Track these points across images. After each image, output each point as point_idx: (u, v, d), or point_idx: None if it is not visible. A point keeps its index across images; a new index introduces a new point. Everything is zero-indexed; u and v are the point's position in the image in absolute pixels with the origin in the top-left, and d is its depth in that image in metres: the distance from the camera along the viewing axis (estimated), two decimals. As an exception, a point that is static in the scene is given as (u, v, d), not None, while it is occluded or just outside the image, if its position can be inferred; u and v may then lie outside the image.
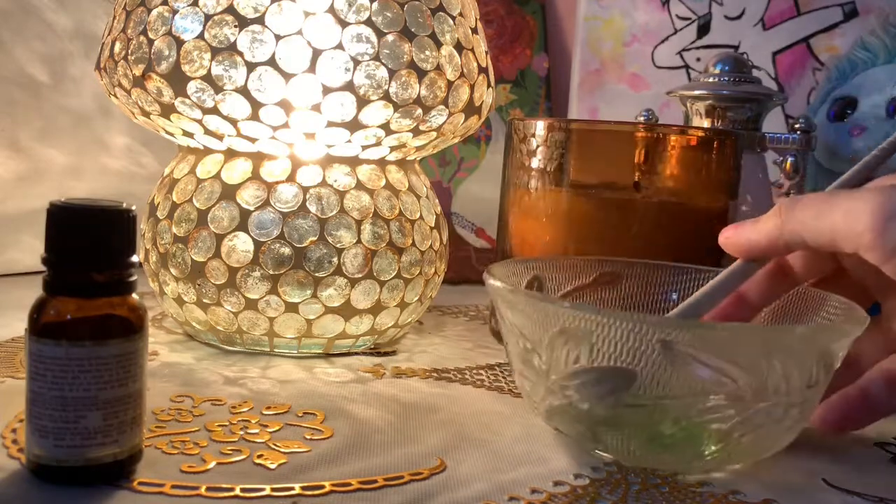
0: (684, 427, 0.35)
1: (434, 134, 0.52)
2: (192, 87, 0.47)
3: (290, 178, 0.50)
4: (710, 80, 0.70)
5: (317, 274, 0.50)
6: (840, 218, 0.37)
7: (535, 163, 0.54)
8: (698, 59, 0.88)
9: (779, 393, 0.35)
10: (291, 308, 0.50)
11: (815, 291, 0.44)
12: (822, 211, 0.37)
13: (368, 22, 0.48)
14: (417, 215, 0.54)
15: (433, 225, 0.56)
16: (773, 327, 0.44)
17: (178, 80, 0.47)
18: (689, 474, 0.38)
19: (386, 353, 0.55)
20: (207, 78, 0.47)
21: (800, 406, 0.36)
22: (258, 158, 0.51)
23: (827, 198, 0.38)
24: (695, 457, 0.37)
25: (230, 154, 0.51)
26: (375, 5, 0.48)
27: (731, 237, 0.41)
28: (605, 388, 0.35)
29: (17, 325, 0.55)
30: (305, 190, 0.50)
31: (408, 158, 0.55)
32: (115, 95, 0.52)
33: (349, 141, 0.50)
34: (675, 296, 0.48)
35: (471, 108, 0.53)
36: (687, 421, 0.35)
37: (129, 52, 0.49)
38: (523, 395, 0.41)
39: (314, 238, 0.50)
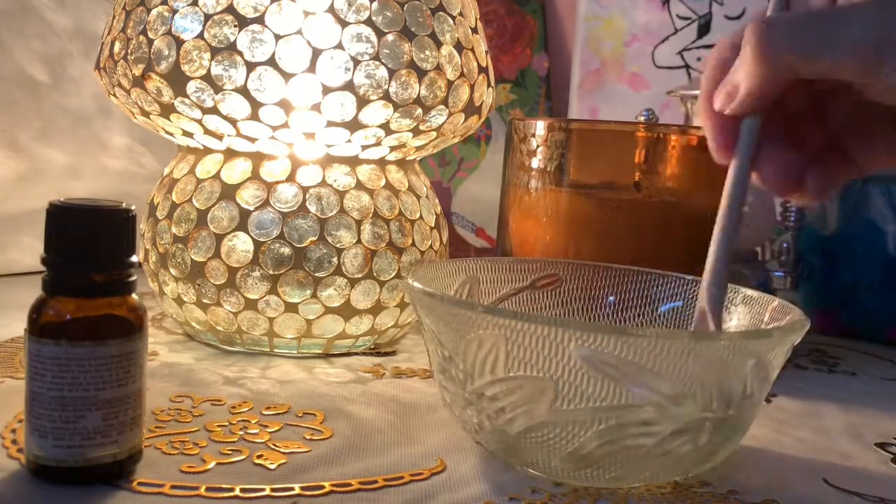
0: (608, 442, 0.32)
1: (434, 134, 0.52)
2: (191, 86, 0.47)
3: (290, 178, 0.50)
4: (711, 79, 0.70)
5: (317, 274, 0.50)
6: (853, 37, 0.30)
7: (535, 163, 0.54)
8: (699, 59, 0.88)
9: (708, 406, 0.32)
10: (291, 308, 0.50)
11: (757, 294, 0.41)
12: (819, 27, 0.31)
13: (368, 21, 0.48)
14: (417, 215, 0.54)
15: (433, 225, 0.56)
16: (698, 333, 0.40)
17: (177, 79, 0.47)
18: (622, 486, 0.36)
19: (386, 353, 0.55)
20: (207, 78, 0.47)
21: (734, 419, 0.33)
22: (258, 158, 0.51)
23: (817, 13, 0.32)
24: (623, 474, 0.34)
25: (230, 154, 0.51)
26: (375, 5, 0.48)
27: (724, 97, 0.34)
28: (520, 400, 0.32)
29: (16, 326, 0.55)
30: (305, 190, 0.50)
31: (408, 158, 0.55)
32: (114, 95, 0.52)
33: (349, 141, 0.50)
34: (612, 298, 0.45)
35: (471, 108, 0.53)
36: (610, 436, 0.32)
37: (129, 51, 0.49)
38: (446, 408, 0.38)
39: (314, 238, 0.50)
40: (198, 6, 0.47)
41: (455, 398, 0.36)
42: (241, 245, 0.49)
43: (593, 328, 0.33)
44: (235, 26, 0.46)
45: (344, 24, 0.47)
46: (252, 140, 0.50)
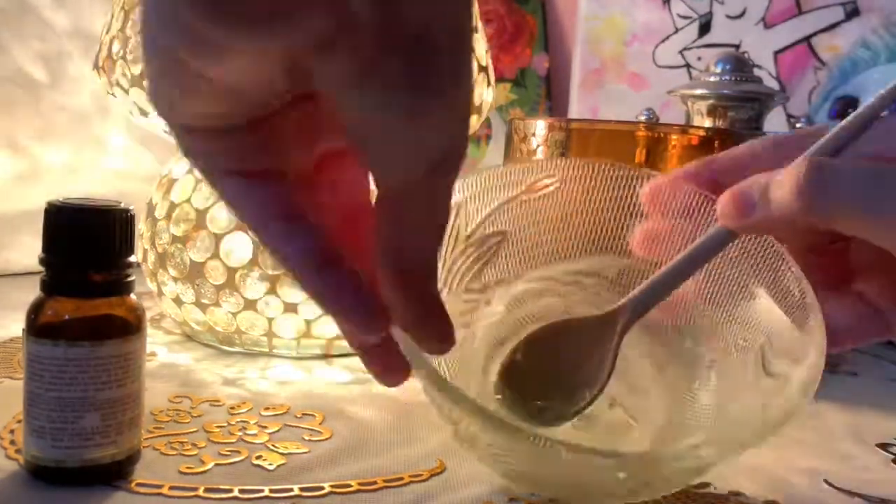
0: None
1: (434, 133, 0.52)
2: (190, 86, 0.47)
3: (290, 178, 0.50)
4: (712, 79, 0.69)
5: (316, 274, 0.50)
6: None
7: (536, 162, 0.54)
8: (699, 59, 0.88)
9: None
10: (290, 308, 0.50)
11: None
12: (873, 189, 0.29)
13: (368, 21, 0.48)
14: (417, 215, 0.54)
15: (433, 225, 0.55)
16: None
17: (176, 79, 0.47)
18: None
19: (385, 354, 0.55)
20: (206, 77, 0.46)
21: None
22: (257, 158, 0.51)
23: (875, 173, 0.30)
24: (604, 490, 0.33)
25: (229, 153, 0.51)
26: (375, 4, 0.48)
27: (733, 208, 0.32)
28: (504, 444, 0.32)
29: (14, 326, 0.55)
30: (305, 189, 0.50)
31: (407, 158, 0.55)
32: (113, 94, 0.52)
33: (348, 140, 0.50)
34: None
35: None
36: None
37: (128, 51, 0.49)
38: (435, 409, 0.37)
39: (313, 238, 0.50)
40: (197, 5, 0.47)
41: (447, 424, 0.35)
42: (240, 245, 0.49)
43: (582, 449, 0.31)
44: (234, 25, 0.46)
45: (343, 23, 0.47)
46: (251, 140, 0.49)
